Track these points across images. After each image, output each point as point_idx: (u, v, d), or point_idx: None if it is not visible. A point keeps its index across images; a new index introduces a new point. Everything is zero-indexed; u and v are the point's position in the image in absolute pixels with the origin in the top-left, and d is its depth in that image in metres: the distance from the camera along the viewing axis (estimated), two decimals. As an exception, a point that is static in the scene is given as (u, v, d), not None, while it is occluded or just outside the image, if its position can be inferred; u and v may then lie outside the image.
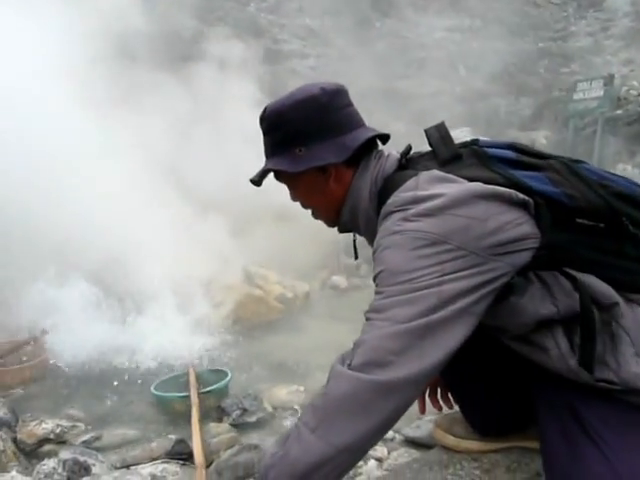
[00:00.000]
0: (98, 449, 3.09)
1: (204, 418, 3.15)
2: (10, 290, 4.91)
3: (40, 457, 3.06)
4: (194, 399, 3.12)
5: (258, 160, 1.42)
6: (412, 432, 2.76)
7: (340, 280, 5.49)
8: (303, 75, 9.66)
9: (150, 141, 5.40)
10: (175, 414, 3.34)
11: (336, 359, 1.12)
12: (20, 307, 4.86)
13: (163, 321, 4.66)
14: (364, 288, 5.51)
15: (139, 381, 4.06)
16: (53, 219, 4.76)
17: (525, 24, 13.56)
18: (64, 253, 5.02)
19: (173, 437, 2.82)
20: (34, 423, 3.16)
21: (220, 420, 3.20)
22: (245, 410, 3.17)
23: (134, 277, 4.88)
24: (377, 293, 1.14)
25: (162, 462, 2.67)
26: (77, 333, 4.62)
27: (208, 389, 3.32)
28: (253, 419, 3.17)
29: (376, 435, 1.09)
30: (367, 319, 1.13)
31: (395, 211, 1.17)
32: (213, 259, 5.15)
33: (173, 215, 5.19)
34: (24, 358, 4.28)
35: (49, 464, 2.38)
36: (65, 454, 2.72)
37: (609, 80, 9.20)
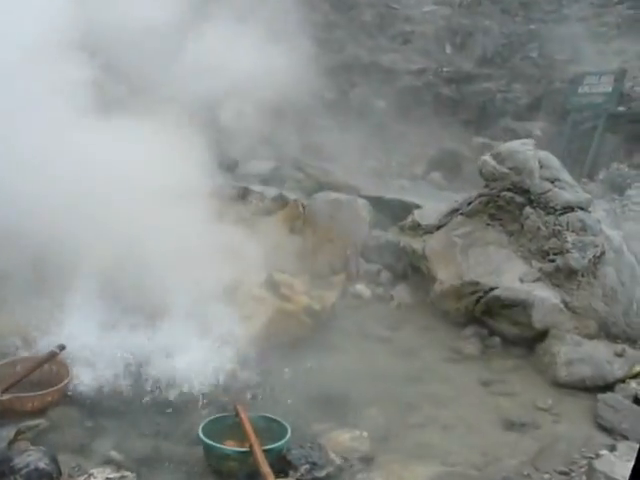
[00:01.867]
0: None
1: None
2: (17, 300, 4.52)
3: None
4: (260, 458, 2.83)
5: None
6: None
7: (363, 290, 5.28)
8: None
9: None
10: (226, 466, 3.08)
11: None
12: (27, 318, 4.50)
13: (186, 338, 4.36)
14: (388, 299, 5.33)
15: (169, 410, 3.81)
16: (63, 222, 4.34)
17: (516, 1, 13.27)
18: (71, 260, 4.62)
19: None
20: (82, 478, 2.89)
21: (285, 474, 2.98)
22: (315, 464, 2.95)
23: (152, 287, 4.53)
24: None
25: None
26: (91, 350, 4.29)
27: (269, 447, 2.99)
28: (322, 474, 2.93)
29: None
30: None
31: None
32: (232, 264, 4.82)
33: (186, 214, 4.80)
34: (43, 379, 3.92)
35: None
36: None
37: (620, 76, 9.01)
